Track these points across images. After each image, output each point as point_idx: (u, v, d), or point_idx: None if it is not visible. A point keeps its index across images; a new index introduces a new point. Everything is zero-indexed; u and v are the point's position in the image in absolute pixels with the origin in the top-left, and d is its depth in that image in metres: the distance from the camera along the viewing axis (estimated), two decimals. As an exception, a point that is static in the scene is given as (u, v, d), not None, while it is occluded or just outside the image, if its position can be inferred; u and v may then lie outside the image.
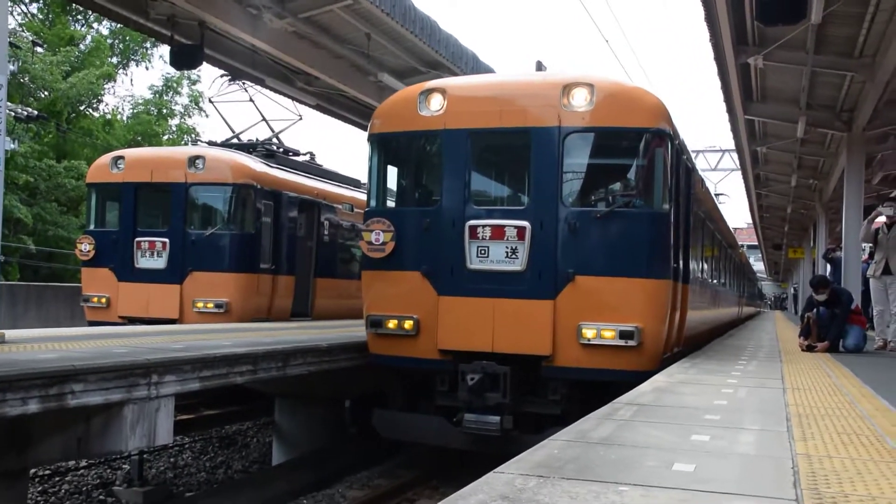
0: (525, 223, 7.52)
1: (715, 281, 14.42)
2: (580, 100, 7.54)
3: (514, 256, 7.53)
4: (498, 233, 7.59)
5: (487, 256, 7.60)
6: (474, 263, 7.63)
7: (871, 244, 11.77)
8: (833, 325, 10.13)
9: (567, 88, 7.58)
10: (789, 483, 3.04)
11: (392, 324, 7.94)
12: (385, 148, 8.60)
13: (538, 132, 7.64)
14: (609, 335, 7.25)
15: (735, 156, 27.55)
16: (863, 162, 16.15)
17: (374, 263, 8.16)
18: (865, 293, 13.12)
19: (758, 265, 60.63)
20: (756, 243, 50.80)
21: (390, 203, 8.75)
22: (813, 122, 16.04)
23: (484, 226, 7.64)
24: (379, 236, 8.06)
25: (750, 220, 41.48)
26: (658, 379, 6.43)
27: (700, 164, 31.13)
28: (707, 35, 12.68)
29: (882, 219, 11.08)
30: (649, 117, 7.66)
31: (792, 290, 51.99)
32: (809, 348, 10.08)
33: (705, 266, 12.25)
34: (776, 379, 6.70)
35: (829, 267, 18.51)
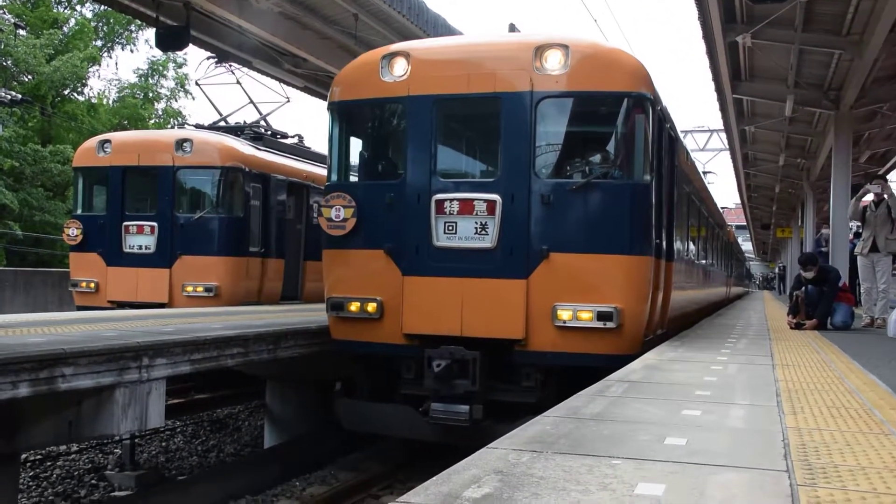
0: (495, 196, 7.01)
1: (702, 259, 13.91)
2: (554, 62, 7.01)
3: (483, 232, 7.02)
4: (466, 207, 7.09)
5: (455, 233, 7.10)
6: (441, 240, 7.13)
7: (858, 223, 11.83)
8: (821, 302, 10.20)
9: (540, 50, 7.04)
10: (780, 455, 3.07)
11: (354, 306, 7.45)
12: (345, 117, 8.06)
13: (509, 98, 7.10)
14: (586, 317, 6.77)
15: (723, 136, 27.63)
16: (850, 140, 16.22)
17: (334, 242, 7.68)
18: (853, 271, 13.21)
19: (746, 245, 60.94)
20: (744, 223, 51.03)
21: (353, 178, 8.22)
22: (801, 101, 16.09)
23: (451, 200, 7.14)
24: (339, 212, 7.55)
25: (738, 200, 41.67)
26: (648, 356, 6.46)
27: (689, 144, 31.16)
28: (695, 13, 12.67)
29: (870, 196, 11.13)
30: (629, 81, 7.15)
31: (777, 269, 52.18)
32: (798, 326, 10.15)
33: (691, 243, 11.74)
34: (765, 356, 6.75)
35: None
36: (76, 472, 9.43)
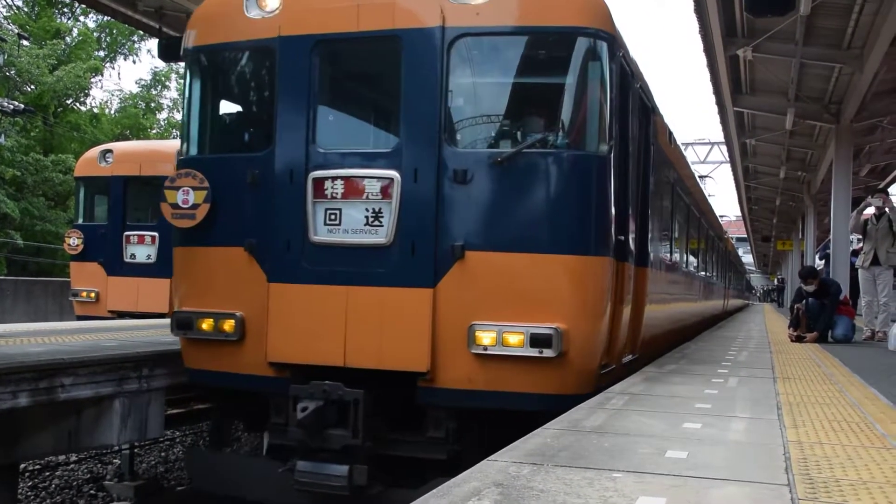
0: (392, 173, 5.26)
1: (691, 266, 11.92)
2: None
3: (376, 223, 5.29)
4: (354, 188, 5.35)
5: (339, 224, 5.38)
6: (320, 234, 5.40)
7: (859, 235, 11.85)
8: (822, 315, 10.20)
9: None
10: (781, 469, 3.06)
11: (206, 324, 5.66)
12: (202, 69, 6.16)
13: (411, 36, 5.32)
14: (515, 341, 4.99)
15: (724, 148, 27.70)
16: (850, 154, 16.28)
17: (182, 237, 5.93)
18: (854, 284, 13.22)
19: (747, 257, 60.94)
20: (745, 235, 51.10)
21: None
22: (801, 114, 16.16)
23: (334, 178, 5.38)
24: (188, 196, 5.75)
25: (739, 213, 41.75)
26: (648, 369, 6.45)
27: (689, 156, 31.12)
28: (696, 27, 12.73)
29: (871, 210, 11.16)
30: (578, 13, 5.31)
31: (777, 281, 52.10)
32: (799, 339, 10.14)
33: (675, 246, 9.71)
34: (766, 369, 6.74)
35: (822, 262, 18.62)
36: (75, 483, 9.40)
